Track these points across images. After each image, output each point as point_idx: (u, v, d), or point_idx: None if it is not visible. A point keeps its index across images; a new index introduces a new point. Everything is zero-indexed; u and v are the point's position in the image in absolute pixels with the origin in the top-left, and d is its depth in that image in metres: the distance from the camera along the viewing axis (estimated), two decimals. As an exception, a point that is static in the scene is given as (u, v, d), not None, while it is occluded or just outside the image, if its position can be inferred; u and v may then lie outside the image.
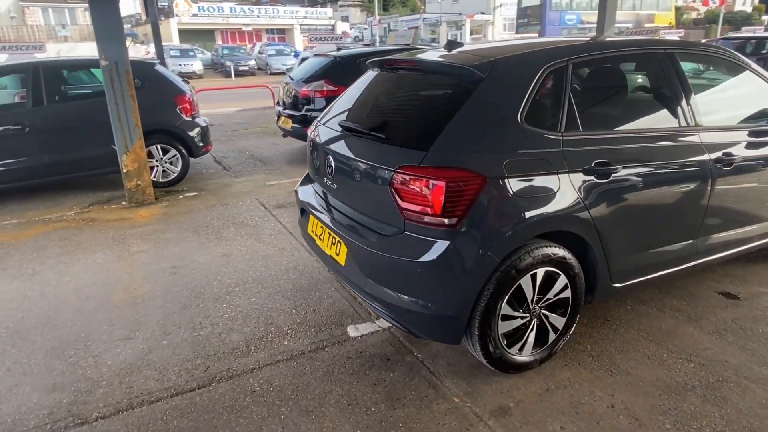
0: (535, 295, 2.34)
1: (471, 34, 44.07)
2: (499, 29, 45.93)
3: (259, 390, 2.40)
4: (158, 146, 5.96)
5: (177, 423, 2.20)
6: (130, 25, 43.14)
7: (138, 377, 2.52)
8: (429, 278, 2.16)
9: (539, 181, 2.21)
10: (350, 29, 52.06)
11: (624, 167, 2.40)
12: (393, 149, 2.25)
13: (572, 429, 2.11)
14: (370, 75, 2.94)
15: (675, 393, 2.31)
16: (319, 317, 3.04)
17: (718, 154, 2.70)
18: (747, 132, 2.91)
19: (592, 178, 2.32)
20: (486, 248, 2.11)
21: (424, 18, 47.82)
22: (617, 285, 2.60)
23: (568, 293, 2.43)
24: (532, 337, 2.41)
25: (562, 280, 2.38)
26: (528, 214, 2.18)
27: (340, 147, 2.58)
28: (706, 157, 2.65)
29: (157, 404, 2.32)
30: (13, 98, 5.62)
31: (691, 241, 2.79)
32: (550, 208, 2.22)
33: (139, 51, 26.17)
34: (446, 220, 2.09)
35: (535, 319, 2.39)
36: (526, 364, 2.44)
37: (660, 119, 2.68)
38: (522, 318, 2.35)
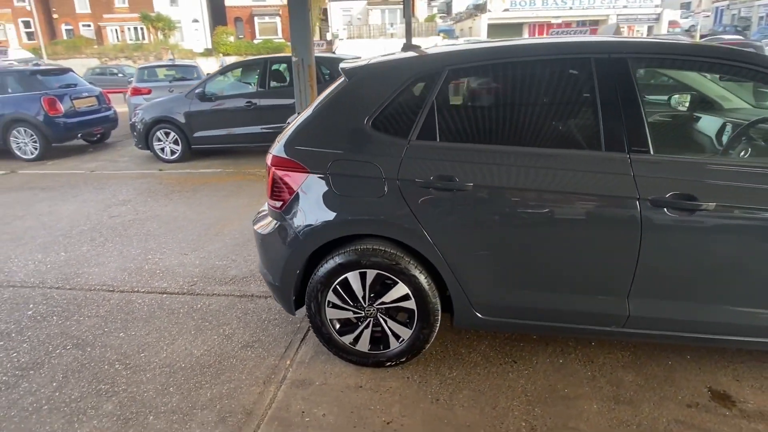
0: (367, 295, 2.40)
1: None
2: None
3: (198, 307, 3.23)
4: (337, 127, 7.27)
5: (140, 307, 3.24)
6: (452, 21, 48.04)
7: (160, 277, 3.69)
8: (263, 249, 2.56)
9: (361, 183, 2.27)
10: (685, 17, 44.89)
11: (476, 186, 2.16)
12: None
13: (331, 419, 2.20)
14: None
15: (463, 442, 2.06)
16: (294, 276, 3.63)
17: (663, 194, 2.03)
18: (750, 172, 2.03)
19: (429, 191, 2.21)
20: (301, 235, 2.36)
21: (793, 1, 37.15)
22: (482, 316, 2.35)
23: (411, 305, 2.38)
24: (367, 334, 2.48)
25: (401, 289, 2.36)
26: (343, 213, 2.30)
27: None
28: (632, 194, 2.05)
29: (147, 294, 3.43)
30: (250, 84, 7.76)
31: (614, 299, 2.20)
32: (367, 211, 2.27)
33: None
34: (275, 203, 2.43)
35: (371, 319, 2.45)
36: (360, 356, 2.52)
37: (557, 139, 2.18)
38: (354, 312, 2.45)
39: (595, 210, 2.11)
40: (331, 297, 2.44)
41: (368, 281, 2.38)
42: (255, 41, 35.89)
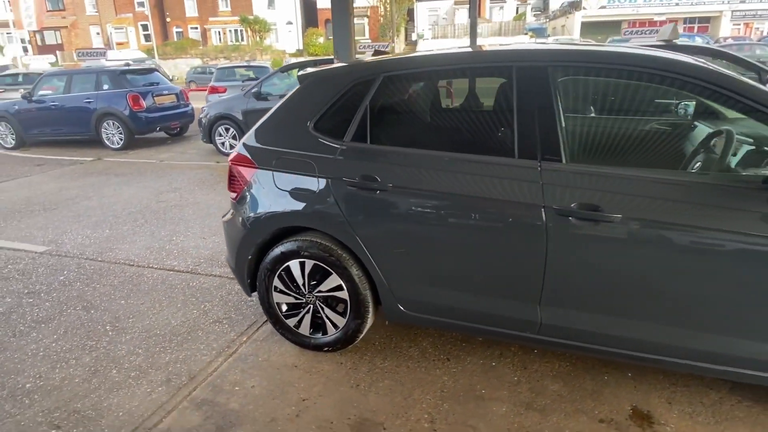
0: (306, 283, 2.61)
1: None
2: None
3: (192, 285, 3.63)
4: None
5: (147, 280, 3.71)
6: (546, 19, 46.17)
7: (174, 256, 4.16)
8: (225, 236, 2.86)
9: (299, 180, 2.48)
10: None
11: (395, 188, 2.28)
12: None
13: (256, 391, 2.45)
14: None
15: (365, 429, 2.20)
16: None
17: (568, 203, 2.03)
18: (661, 185, 1.96)
19: (355, 189, 2.36)
20: (249, 223, 2.62)
21: None
22: (405, 311, 2.46)
23: (344, 295, 2.55)
24: (308, 319, 2.69)
25: (335, 280, 2.54)
26: (280, 205, 2.53)
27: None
28: (537, 202, 2.06)
29: (157, 270, 3.90)
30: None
31: (526, 305, 2.22)
32: (301, 205, 2.48)
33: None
34: (232, 195, 2.72)
35: (310, 305, 2.66)
36: (303, 339, 2.72)
37: (474, 145, 2.22)
38: (295, 298, 2.67)
39: (505, 216, 2.14)
40: (276, 282, 2.67)
41: (307, 270, 2.59)
42: (342, 42, 37.07)
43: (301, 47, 37.91)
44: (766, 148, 2.24)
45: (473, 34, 12.58)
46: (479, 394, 2.39)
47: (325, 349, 2.70)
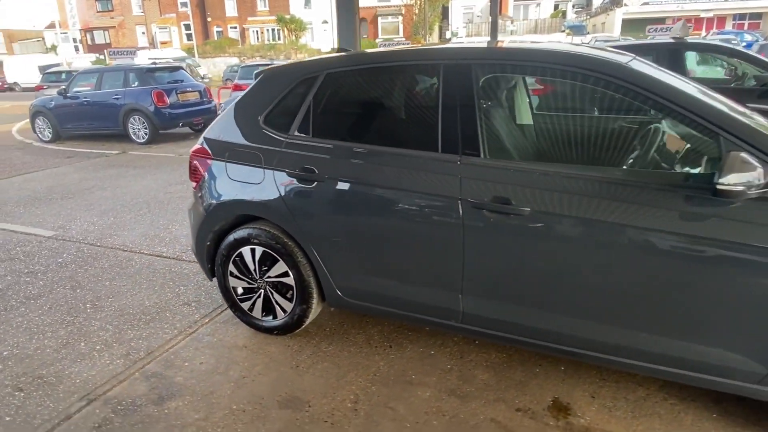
0: (257, 268, 2.77)
1: None
2: None
3: (174, 270, 3.85)
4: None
5: (134, 264, 3.96)
6: (587, 16, 44.99)
7: (165, 244, 4.41)
8: (189, 221, 3.04)
9: (248, 171, 2.63)
10: None
11: (330, 178, 2.40)
12: None
13: (203, 368, 2.62)
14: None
15: (292, 406, 2.34)
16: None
17: (482, 197, 2.09)
18: (571, 180, 1.99)
19: (295, 180, 2.50)
20: (205, 211, 2.80)
21: None
22: (344, 297, 2.58)
23: (291, 281, 2.70)
24: (259, 303, 2.84)
25: (282, 266, 2.68)
26: (231, 194, 2.69)
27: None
28: (455, 194, 2.13)
29: (146, 255, 4.15)
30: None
31: (449, 294, 2.29)
32: (249, 195, 2.63)
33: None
34: (193, 184, 2.90)
35: (262, 290, 2.81)
36: (256, 321, 2.88)
37: (403, 139, 2.30)
38: (248, 283, 2.83)
39: (426, 208, 2.23)
40: (231, 268, 2.84)
41: (257, 257, 2.74)
42: (376, 40, 37.31)
43: (335, 46, 38.30)
44: (694, 146, 2.23)
45: (494, 31, 12.54)
46: (409, 379, 2.48)
47: (275, 332, 2.85)
